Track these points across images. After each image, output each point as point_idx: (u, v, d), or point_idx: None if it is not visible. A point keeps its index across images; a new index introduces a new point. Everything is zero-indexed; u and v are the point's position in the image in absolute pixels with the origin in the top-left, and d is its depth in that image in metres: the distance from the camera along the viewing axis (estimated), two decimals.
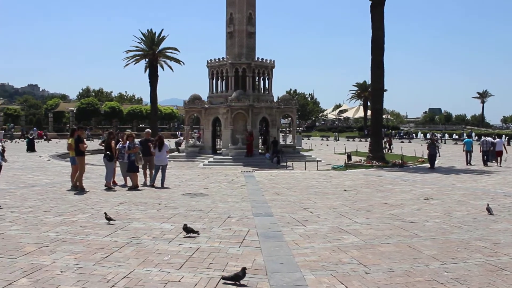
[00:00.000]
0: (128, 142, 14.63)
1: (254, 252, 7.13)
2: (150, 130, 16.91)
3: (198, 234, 8.05)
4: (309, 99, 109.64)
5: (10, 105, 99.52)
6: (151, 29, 52.58)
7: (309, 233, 8.48)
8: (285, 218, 9.87)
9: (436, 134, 64.18)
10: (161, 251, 7.07)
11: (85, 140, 14.69)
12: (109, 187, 14.16)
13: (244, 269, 5.74)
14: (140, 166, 14.74)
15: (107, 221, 9.01)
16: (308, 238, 8.10)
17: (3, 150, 12.33)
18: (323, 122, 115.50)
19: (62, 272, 6.02)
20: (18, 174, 18.02)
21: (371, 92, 32.49)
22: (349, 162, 26.35)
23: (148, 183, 15.01)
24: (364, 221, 9.68)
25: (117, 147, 15.47)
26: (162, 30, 51.41)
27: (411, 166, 24.89)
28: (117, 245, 7.37)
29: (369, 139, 34.04)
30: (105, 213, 9.32)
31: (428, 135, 63.71)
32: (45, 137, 57.93)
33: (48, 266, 6.26)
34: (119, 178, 15.55)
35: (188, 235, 8.00)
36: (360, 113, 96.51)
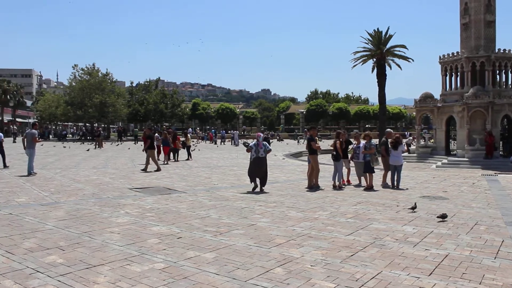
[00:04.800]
0: (364, 142, 14.64)
1: None
2: (391, 130, 16.37)
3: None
4: None
5: (247, 108, 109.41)
6: (377, 29, 51.87)
7: None
8: None
9: None
10: (407, 254, 6.79)
11: (317, 139, 15.24)
12: (335, 186, 14.35)
13: None
14: (376, 166, 14.60)
15: (412, 210, 10.22)
16: None
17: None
18: None
19: (311, 266, 6.22)
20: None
21: None
22: None
23: (382, 184, 14.79)
24: None
25: (351, 147, 15.61)
26: (388, 28, 50.23)
27: None
28: (361, 244, 7.34)
29: None
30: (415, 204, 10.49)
31: None
32: (278, 137, 62.20)
33: (298, 258, 6.54)
34: (353, 178, 15.68)
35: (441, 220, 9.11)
36: None
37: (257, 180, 13.73)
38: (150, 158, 19.66)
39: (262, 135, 14.61)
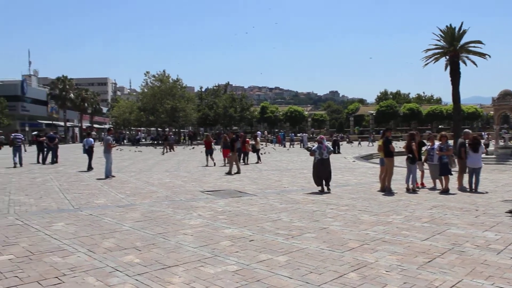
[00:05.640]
0: (439, 143, 14.09)
1: None
2: (469, 131, 15.54)
3: None
4: None
5: (316, 111, 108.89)
6: (450, 25, 49.81)
7: None
8: None
9: None
10: (490, 262, 6.41)
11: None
12: (408, 189, 13.91)
13: None
14: (453, 169, 14.03)
15: (510, 214, 9.71)
16: None
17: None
18: None
19: (386, 271, 6.03)
20: None
21: None
22: None
23: (459, 187, 14.15)
24: None
25: (425, 148, 15.07)
26: (462, 23, 48.07)
27: None
28: (438, 250, 7.03)
29: None
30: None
31: None
32: (347, 140, 61.32)
33: (372, 264, 6.36)
34: (427, 181, 15.14)
35: None
36: None
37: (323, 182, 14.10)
38: (233, 161, 20.29)
39: (324, 137, 15.35)
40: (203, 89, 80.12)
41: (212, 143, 26.02)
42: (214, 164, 24.25)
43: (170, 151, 41.22)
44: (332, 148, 15.21)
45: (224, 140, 25.71)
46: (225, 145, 25.05)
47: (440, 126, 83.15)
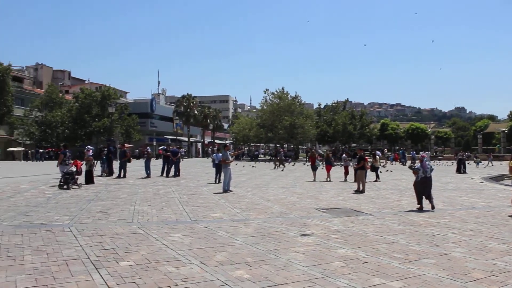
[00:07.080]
0: None
1: None
2: None
3: None
4: None
5: (439, 128, 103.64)
6: None
7: None
8: None
9: None
10: None
11: None
12: None
13: None
14: None
15: None
16: None
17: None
18: None
19: None
20: (453, 195, 18.13)
21: None
22: None
23: None
24: None
25: None
26: None
27: None
28: None
29: None
30: None
31: None
32: (474, 159, 57.32)
33: None
34: None
35: None
36: None
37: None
38: (359, 179, 19.87)
39: (425, 155, 15.22)
40: (322, 106, 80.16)
41: (317, 159, 27.83)
42: (314, 180, 25.80)
43: (284, 166, 41.65)
44: (433, 167, 14.90)
45: (327, 156, 28.89)
46: (328, 161, 27.77)
47: None
